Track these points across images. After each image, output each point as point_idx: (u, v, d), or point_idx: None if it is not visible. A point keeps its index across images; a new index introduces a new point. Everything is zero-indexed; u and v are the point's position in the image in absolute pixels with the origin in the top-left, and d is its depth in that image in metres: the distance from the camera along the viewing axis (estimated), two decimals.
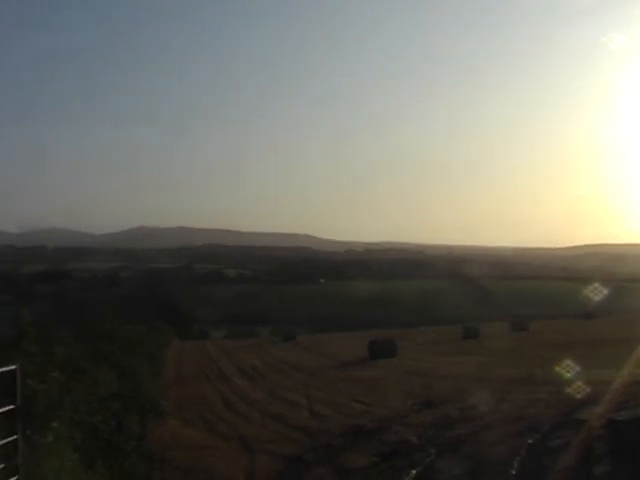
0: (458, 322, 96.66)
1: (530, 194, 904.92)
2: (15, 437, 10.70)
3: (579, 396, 23.28)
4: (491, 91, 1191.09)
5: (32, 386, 12.30)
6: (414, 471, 16.37)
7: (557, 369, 31.60)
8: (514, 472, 14.82)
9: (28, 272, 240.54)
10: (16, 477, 10.33)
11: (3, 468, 10.03)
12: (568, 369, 30.49)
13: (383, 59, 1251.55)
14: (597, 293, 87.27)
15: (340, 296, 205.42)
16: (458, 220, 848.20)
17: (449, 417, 23.75)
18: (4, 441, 10.48)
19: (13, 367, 11.07)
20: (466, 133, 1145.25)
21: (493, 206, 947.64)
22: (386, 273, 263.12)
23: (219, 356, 69.25)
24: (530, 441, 17.27)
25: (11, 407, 10.84)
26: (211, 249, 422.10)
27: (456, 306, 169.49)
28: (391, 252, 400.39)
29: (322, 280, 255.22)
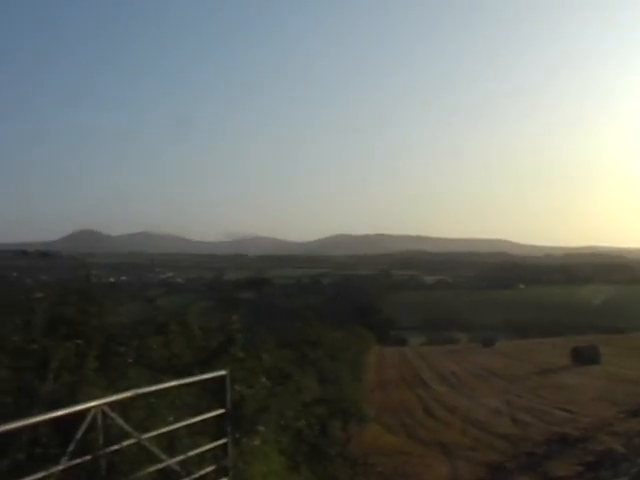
0: None
1: None
2: (225, 440, 11.02)
3: None
4: None
5: (240, 391, 12.63)
6: None
7: None
8: None
9: (231, 279, 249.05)
10: (226, 479, 10.63)
11: (214, 470, 10.34)
12: None
13: None
14: None
15: (540, 301, 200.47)
16: None
17: None
18: (215, 444, 10.82)
19: (223, 373, 11.42)
20: None
21: None
22: (585, 277, 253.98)
23: (418, 362, 68.97)
24: None
25: (221, 411, 11.19)
26: (409, 255, 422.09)
27: None
28: (591, 257, 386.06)
29: (521, 285, 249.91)
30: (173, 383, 10.55)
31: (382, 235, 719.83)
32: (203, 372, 12.10)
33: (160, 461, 9.10)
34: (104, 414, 8.24)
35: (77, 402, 8.24)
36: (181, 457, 9.50)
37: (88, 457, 7.92)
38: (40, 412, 7.84)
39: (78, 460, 7.77)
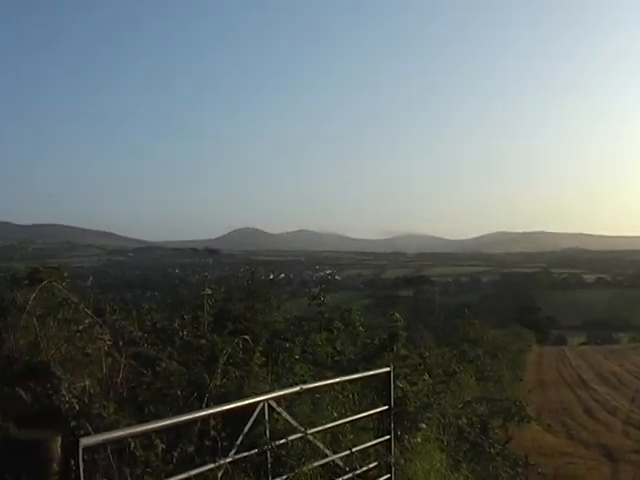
0: None
1: None
2: (388, 437, 10.82)
3: None
4: None
5: (403, 388, 12.42)
6: None
7: None
8: None
9: (389, 277, 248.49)
10: (388, 475, 10.42)
11: (376, 466, 10.14)
12: None
13: None
14: None
15: None
16: None
17: None
18: (379, 440, 10.64)
19: (387, 369, 11.22)
20: None
21: None
22: None
23: (578, 362, 66.72)
24: None
25: (385, 407, 10.99)
26: (571, 253, 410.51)
27: None
28: None
29: None
30: (338, 379, 10.45)
31: (542, 233, 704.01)
32: (366, 369, 11.96)
33: (324, 456, 8.99)
34: (271, 408, 8.20)
35: (244, 396, 8.24)
36: (345, 453, 9.34)
37: (255, 450, 7.88)
38: (209, 406, 7.87)
39: (245, 453, 7.75)
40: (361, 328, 14.36)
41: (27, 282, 8.54)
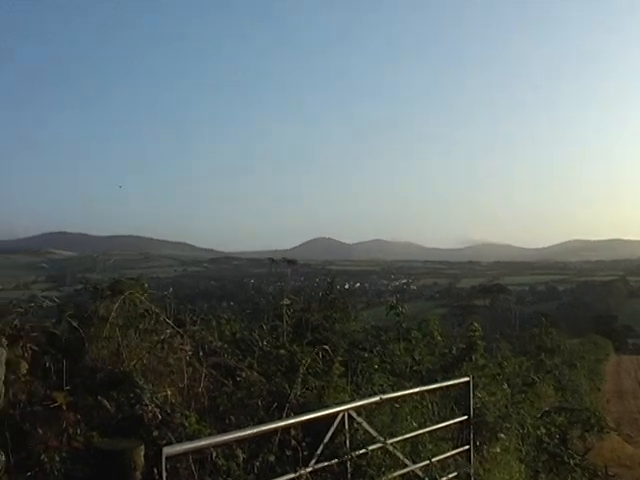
0: None
1: None
2: (467, 447, 10.65)
3: None
4: None
5: (482, 398, 12.21)
6: None
7: None
8: None
9: (465, 286, 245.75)
10: None
11: (456, 476, 9.97)
12: None
13: None
14: None
15: None
16: None
17: None
18: (458, 450, 10.46)
19: (466, 379, 11.05)
20: None
21: None
22: None
23: None
24: None
25: (464, 417, 10.82)
26: None
27: None
28: None
29: None
30: (418, 389, 10.32)
31: (618, 240, 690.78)
32: (445, 379, 11.79)
33: (404, 466, 8.86)
34: (351, 418, 8.11)
35: (324, 406, 8.17)
36: (424, 463, 9.20)
37: (335, 460, 7.80)
38: (289, 415, 7.82)
39: (326, 463, 7.68)
40: (439, 338, 14.17)
41: (109, 293, 8.61)
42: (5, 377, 7.17)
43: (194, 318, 9.56)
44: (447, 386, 11.23)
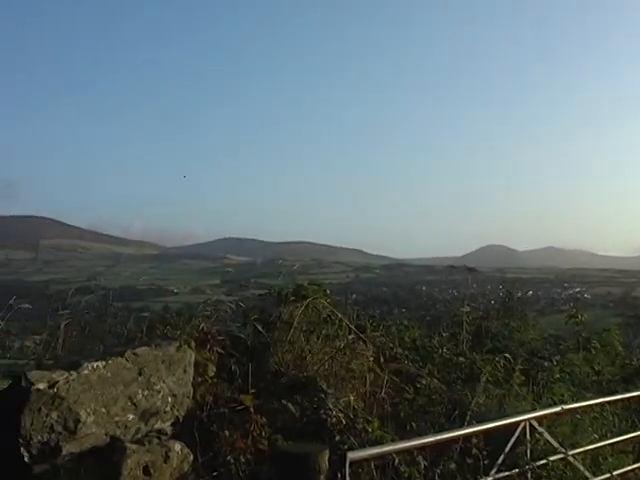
0: None
1: None
2: None
3: None
4: None
5: None
6: None
7: None
8: None
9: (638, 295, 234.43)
10: None
11: None
12: None
13: None
14: None
15: None
16: None
17: None
18: (638, 464, 9.91)
19: None
20: None
21: None
22: None
23: None
24: None
25: None
26: None
27: None
28: None
29: None
30: (600, 400, 9.86)
31: None
32: (626, 390, 11.24)
33: (585, 479, 8.46)
34: (532, 428, 7.83)
35: (505, 415, 7.94)
36: (605, 476, 8.75)
37: (516, 470, 7.55)
38: (471, 424, 7.63)
39: (506, 473, 7.44)
40: (620, 348, 13.52)
41: (292, 298, 8.70)
42: (193, 379, 7.38)
43: (374, 324, 9.53)
44: (628, 398, 10.70)
